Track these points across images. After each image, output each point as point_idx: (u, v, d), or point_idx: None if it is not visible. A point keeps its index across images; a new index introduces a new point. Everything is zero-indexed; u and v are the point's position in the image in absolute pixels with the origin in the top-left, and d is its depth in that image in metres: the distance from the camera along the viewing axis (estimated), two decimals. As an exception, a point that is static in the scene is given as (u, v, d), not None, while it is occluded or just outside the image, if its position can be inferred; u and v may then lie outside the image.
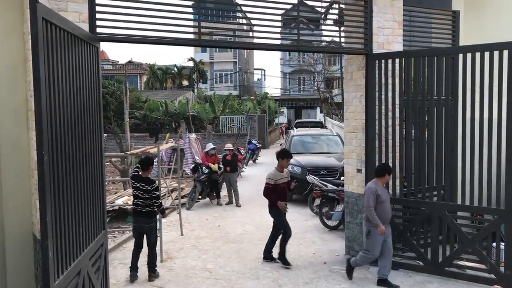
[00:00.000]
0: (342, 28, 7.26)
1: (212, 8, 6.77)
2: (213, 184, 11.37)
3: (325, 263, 6.39)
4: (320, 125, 28.37)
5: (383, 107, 6.37)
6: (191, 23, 5.60)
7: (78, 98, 3.96)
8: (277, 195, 6.52)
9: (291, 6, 6.35)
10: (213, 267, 6.57)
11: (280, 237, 6.69)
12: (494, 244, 5.69)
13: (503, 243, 5.54)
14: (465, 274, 5.80)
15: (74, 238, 3.74)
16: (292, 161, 11.62)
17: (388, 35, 6.51)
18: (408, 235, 6.22)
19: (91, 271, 4.21)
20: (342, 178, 9.12)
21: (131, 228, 8.06)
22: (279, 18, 6.26)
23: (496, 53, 5.39)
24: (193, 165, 12.23)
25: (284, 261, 6.53)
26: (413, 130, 6.29)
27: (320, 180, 9.37)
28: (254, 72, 58.08)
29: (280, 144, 18.00)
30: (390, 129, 6.31)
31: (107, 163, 13.61)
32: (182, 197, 10.79)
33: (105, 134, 13.97)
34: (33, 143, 4.41)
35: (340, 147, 12.32)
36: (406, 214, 6.48)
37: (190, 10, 5.52)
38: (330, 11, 14.94)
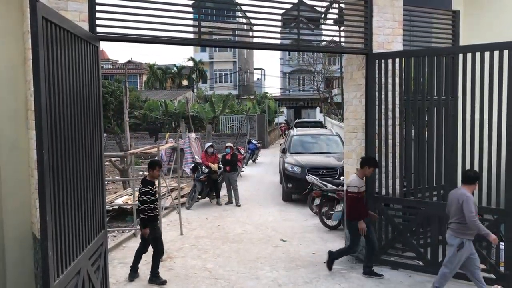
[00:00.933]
0: (342, 28, 7.27)
1: (212, 8, 6.77)
2: (212, 184, 11.38)
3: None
4: (320, 125, 28.40)
5: (383, 107, 6.37)
6: (191, 22, 5.61)
7: (78, 97, 3.95)
8: (362, 204, 5.89)
9: (291, 5, 6.35)
10: (213, 266, 6.57)
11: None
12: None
13: (502, 243, 5.54)
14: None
15: (74, 238, 3.74)
16: (291, 160, 11.72)
17: (388, 34, 6.51)
18: (408, 235, 6.22)
19: (90, 270, 4.22)
20: (341, 178, 9.13)
21: (131, 228, 8.14)
22: (279, 17, 6.26)
23: (496, 53, 5.40)
24: (193, 164, 12.25)
25: (374, 273, 5.92)
26: (413, 130, 6.30)
27: (319, 180, 9.38)
28: (253, 72, 58.05)
29: (280, 144, 17.99)
30: (390, 129, 6.31)
31: (106, 163, 13.58)
32: (182, 196, 10.79)
33: (105, 134, 13.98)
34: (33, 143, 4.41)
35: (340, 147, 12.32)
36: (406, 214, 6.48)
37: (190, 9, 5.51)
38: (330, 10, 14.99)
